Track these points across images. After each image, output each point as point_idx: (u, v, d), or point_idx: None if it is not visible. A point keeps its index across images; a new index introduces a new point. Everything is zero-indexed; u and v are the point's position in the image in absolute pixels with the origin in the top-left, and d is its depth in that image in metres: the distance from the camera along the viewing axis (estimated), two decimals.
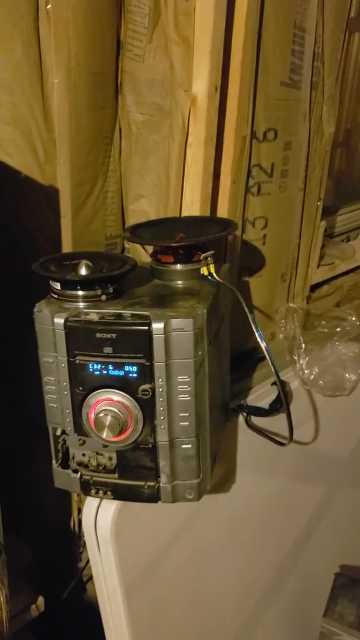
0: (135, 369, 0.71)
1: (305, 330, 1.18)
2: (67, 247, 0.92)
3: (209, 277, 0.80)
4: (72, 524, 1.16)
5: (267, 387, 1.07)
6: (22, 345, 0.88)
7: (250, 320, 0.80)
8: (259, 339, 0.79)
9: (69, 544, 1.18)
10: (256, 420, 1.01)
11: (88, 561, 1.13)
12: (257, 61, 0.92)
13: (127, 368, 0.71)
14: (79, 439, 0.77)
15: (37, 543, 1.12)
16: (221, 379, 0.89)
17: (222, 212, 0.97)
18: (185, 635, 0.93)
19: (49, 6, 0.79)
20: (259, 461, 1.03)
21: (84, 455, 0.78)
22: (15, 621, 0.96)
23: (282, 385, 0.88)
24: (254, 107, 0.94)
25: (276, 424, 1.00)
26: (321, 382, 1.12)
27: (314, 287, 1.30)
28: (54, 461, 0.80)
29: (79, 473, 0.78)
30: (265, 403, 1.03)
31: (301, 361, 1.11)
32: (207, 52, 0.84)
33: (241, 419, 1.00)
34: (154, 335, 0.69)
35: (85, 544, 1.20)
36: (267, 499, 1.07)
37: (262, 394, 1.05)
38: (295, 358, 1.13)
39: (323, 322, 1.20)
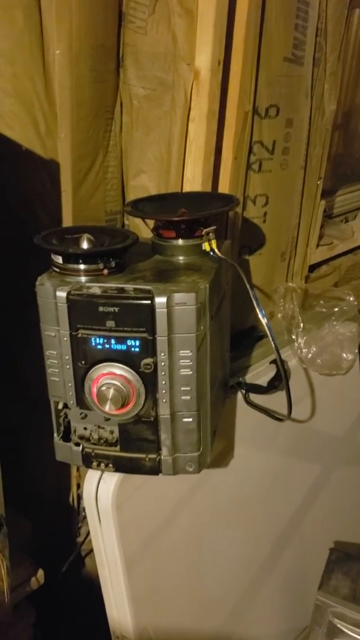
0: (137, 343, 0.71)
1: (304, 310, 1.18)
2: (67, 222, 0.91)
3: (211, 253, 0.80)
4: (70, 500, 1.17)
5: (265, 365, 1.08)
6: (22, 321, 0.88)
7: (252, 297, 0.80)
8: (260, 316, 0.79)
9: (68, 519, 1.19)
10: (254, 397, 1.02)
11: (87, 536, 1.15)
12: (260, 36, 0.91)
13: (129, 342, 0.72)
14: (81, 413, 0.77)
15: (36, 519, 1.13)
16: (222, 355, 0.90)
17: (224, 188, 0.97)
18: (184, 606, 0.95)
19: None
20: (257, 438, 1.04)
21: (85, 428, 0.79)
22: (15, 593, 0.97)
23: (282, 362, 0.89)
24: (256, 83, 0.93)
25: (273, 401, 1.01)
26: (319, 360, 1.13)
27: (313, 267, 1.30)
28: (55, 435, 0.80)
29: (81, 446, 0.79)
30: (263, 381, 1.04)
31: (299, 340, 1.12)
32: (211, 25, 0.83)
33: (240, 396, 1.01)
34: (157, 310, 0.69)
35: (84, 519, 1.21)
36: (265, 474, 1.08)
37: (260, 372, 1.06)
38: (294, 337, 1.14)
39: (321, 301, 1.21)
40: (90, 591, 1.15)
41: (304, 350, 1.12)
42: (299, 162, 1.07)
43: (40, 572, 1.01)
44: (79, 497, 1.16)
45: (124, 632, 0.88)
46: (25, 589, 0.99)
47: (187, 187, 0.93)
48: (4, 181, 0.89)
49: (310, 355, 1.12)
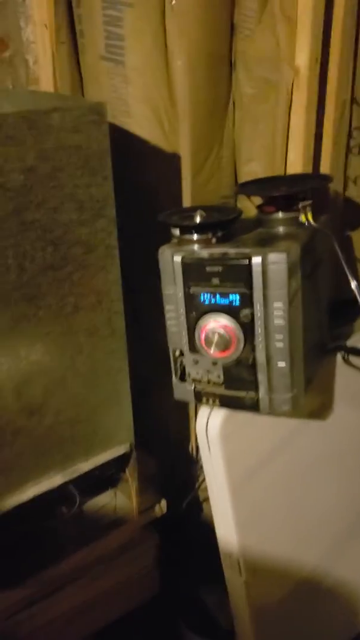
0: (237, 297, 0.87)
1: None
2: (187, 205, 1.09)
3: (306, 224, 0.93)
4: (190, 450, 1.34)
5: None
6: (147, 289, 1.07)
7: (343, 264, 0.92)
8: (351, 283, 0.91)
9: (188, 467, 1.36)
10: (356, 361, 1.13)
11: (203, 480, 1.31)
12: (357, 33, 1.02)
13: (231, 296, 0.87)
14: (194, 359, 0.94)
15: (160, 462, 1.32)
16: (318, 315, 1.02)
17: (324, 170, 1.09)
18: (284, 535, 1.07)
19: (174, 2, 0.96)
20: (355, 397, 1.14)
21: (197, 373, 0.95)
22: (143, 516, 1.17)
23: None
24: (354, 76, 1.05)
25: None
26: None
27: None
28: (174, 377, 0.97)
29: (193, 386, 0.96)
30: None
31: None
32: (309, 29, 0.96)
33: (340, 358, 1.12)
34: (253, 268, 0.84)
35: (202, 467, 1.38)
36: None
37: None
38: None
39: None
40: (206, 533, 1.32)
41: None
42: None
43: (163, 502, 1.19)
44: (197, 449, 1.33)
45: (231, 550, 1.03)
46: (150, 514, 1.18)
47: (290, 171, 1.07)
48: (136, 171, 1.08)
49: None
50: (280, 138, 1.06)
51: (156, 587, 1.26)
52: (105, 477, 1.13)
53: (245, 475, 1.00)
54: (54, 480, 0.98)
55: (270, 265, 0.84)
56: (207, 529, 1.12)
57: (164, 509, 1.20)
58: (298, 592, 1.13)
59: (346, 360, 1.10)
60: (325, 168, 1.09)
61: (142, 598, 1.24)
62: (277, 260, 0.84)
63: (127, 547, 1.17)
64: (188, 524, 1.37)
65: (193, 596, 1.26)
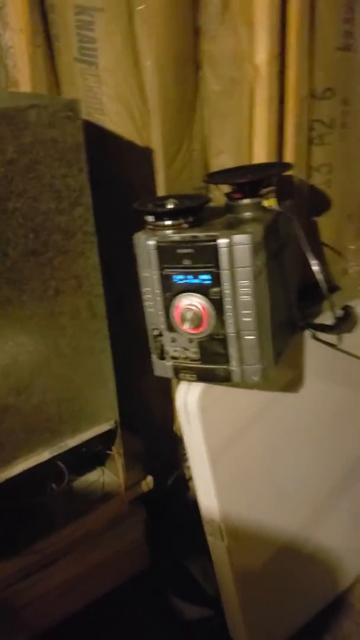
0: (207, 276, 0.94)
1: None
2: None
3: (271, 209, 1.00)
4: (175, 430, 1.41)
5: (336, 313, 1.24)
6: (127, 275, 1.14)
7: (303, 245, 0.99)
8: (310, 261, 0.98)
9: (173, 447, 1.43)
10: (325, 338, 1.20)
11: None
12: (313, 32, 1.10)
13: (201, 276, 0.94)
14: (171, 337, 1.01)
15: (146, 443, 1.38)
16: (285, 294, 1.09)
17: (289, 161, 1.16)
18: (264, 502, 1.14)
19: (141, 7, 1.03)
20: (326, 372, 1.21)
21: (175, 350, 1.02)
22: (130, 491, 1.23)
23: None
24: (311, 71, 1.12)
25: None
26: None
27: None
28: (153, 356, 1.04)
29: (171, 362, 1.03)
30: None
31: None
32: (266, 29, 1.04)
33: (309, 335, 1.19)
34: (220, 249, 0.91)
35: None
36: (338, 405, 1.25)
37: (330, 316, 1.23)
38: None
39: None
40: (192, 510, 1.38)
41: None
42: (358, 134, 1.23)
43: (150, 478, 1.26)
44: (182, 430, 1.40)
45: (212, 516, 1.10)
46: (137, 490, 1.25)
47: (256, 162, 1.14)
48: (113, 165, 1.15)
49: None
50: (246, 131, 1.13)
51: (146, 561, 1.33)
52: (92, 455, 1.20)
53: (224, 444, 1.07)
54: (42, 456, 1.05)
55: (236, 246, 0.91)
56: (193, 506, 1.19)
57: (150, 485, 1.27)
58: (279, 558, 1.20)
59: (315, 337, 1.18)
60: (289, 158, 1.16)
61: (132, 571, 1.31)
62: (242, 241, 0.91)
63: (115, 521, 1.23)
64: (175, 501, 1.43)
65: (180, 567, 1.32)
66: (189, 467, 1.42)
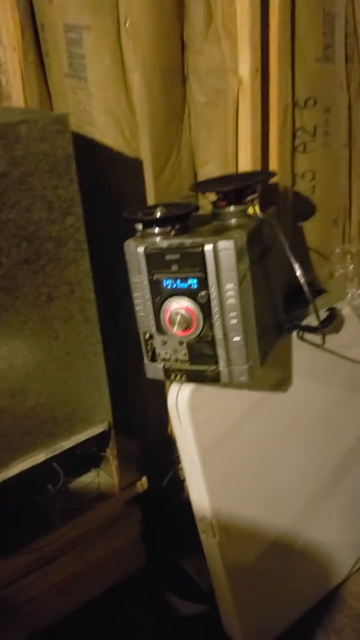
0: (195, 281, 0.98)
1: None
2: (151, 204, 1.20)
3: (255, 215, 1.04)
4: (169, 432, 1.44)
5: (321, 315, 1.28)
6: (120, 282, 1.18)
7: (286, 250, 1.03)
8: (294, 266, 1.02)
9: (167, 449, 1.46)
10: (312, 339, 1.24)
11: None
12: (293, 45, 1.14)
13: (189, 281, 0.98)
14: (162, 340, 1.05)
15: (141, 446, 1.42)
16: (271, 297, 1.13)
17: (273, 168, 1.21)
18: (254, 499, 1.18)
19: (127, 24, 1.08)
20: (313, 371, 1.25)
21: (166, 353, 1.06)
22: (125, 492, 1.27)
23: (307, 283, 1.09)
24: (293, 81, 1.17)
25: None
26: None
27: None
28: (145, 358, 1.08)
29: (163, 364, 1.06)
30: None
31: (352, 290, 1.32)
32: (248, 42, 1.08)
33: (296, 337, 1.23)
34: (206, 255, 0.95)
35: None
36: (325, 403, 1.29)
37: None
38: (348, 291, 1.34)
39: None
40: (187, 510, 1.42)
41: (357, 301, 1.32)
42: (340, 141, 1.28)
43: (144, 479, 1.29)
44: None
45: (204, 513, 1.13)
46: (132, 490, 1.28)
47: (242, 170, 1.19)
48: (104, 175, 1.19)
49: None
50: (231, 141, 1.18)
51: (143, 560, 1.37)
52: (88, 456, 1.24)
53: (214, 443, 1.11)
54: (38, 458, 1.08)
55: (221, 252, 0.95)
56: (187, 507, 1.23)
57: (145, 485, 1.30)
58: (271, 553, 1.24)
59: (301, 338, 1.22)
60: (273, 166, 1.21)
61: (129, 570, 1.34)
62: (226, 246, 0.95)
63: (112, 521, 1.27)
64: (169, 502, 1.47)
65: (175, 565, 1.36)
66: (182, 469, 1.46)
